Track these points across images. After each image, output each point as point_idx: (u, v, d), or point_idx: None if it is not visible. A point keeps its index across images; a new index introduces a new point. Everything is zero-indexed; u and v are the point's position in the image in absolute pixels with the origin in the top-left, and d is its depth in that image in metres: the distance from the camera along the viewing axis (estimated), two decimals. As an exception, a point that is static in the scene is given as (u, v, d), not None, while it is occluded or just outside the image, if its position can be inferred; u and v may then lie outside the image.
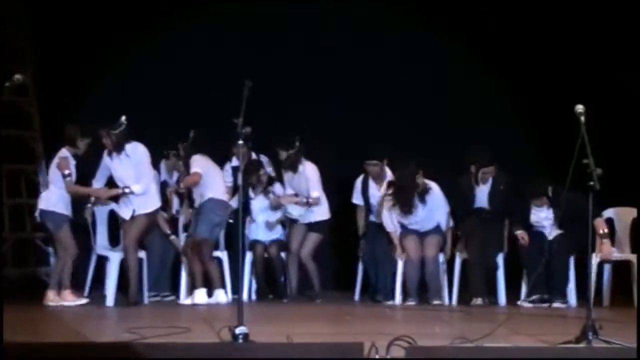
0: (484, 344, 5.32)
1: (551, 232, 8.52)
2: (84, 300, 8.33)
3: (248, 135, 5.66)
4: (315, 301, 9.01)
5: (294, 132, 9.11)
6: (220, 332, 5.47)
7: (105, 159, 8.33)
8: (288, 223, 9.34)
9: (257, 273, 9.13)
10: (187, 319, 7.27)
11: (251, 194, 9.18)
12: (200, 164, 8.62)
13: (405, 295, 8.77)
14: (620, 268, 8.65)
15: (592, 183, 5.62)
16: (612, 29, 9.55)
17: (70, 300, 8.19)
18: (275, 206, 9.14)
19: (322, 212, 9.22)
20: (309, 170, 9.10)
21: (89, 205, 8.56)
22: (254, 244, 9.11)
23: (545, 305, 8.36)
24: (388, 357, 4.60)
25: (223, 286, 8.70)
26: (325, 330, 6.88)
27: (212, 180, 8.68)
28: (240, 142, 5.71)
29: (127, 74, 9.83)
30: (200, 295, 8.54)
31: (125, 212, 8.37)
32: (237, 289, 8.64)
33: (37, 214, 8.44)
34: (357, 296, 9.13)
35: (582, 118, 5.68)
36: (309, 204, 9.04)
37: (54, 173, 8.35)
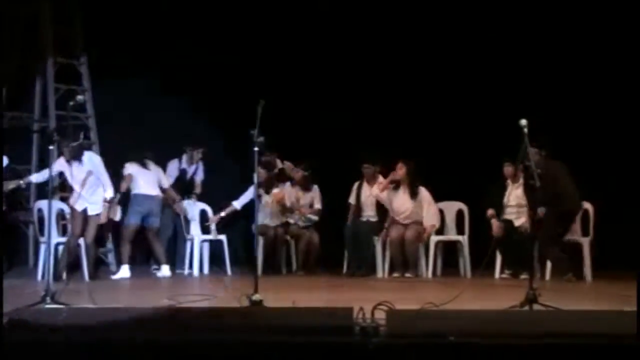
0: (447, 308, 5.42)
1: (517, 218, 8.60)
2: None
3: (262, 143, 5.70)
4: (316, 272, 9.17)
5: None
6: (240, 298, 5.52)
7: (63, 163, 8.29)
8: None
9: (266, 252, 9.21)
10: (212, 288, 7.33)
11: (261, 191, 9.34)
12: (131, 169, 8.94)
13: (391, 269, 8.91)
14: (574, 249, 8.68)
15: (532, 182, 5.76)
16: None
17: None
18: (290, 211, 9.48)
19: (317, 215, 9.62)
20: (315, 188, 9.62)
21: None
22: (265, 229, 9.20)
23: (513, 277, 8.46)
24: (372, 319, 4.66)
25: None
26: (323, 297, 6.92)
27: (138, 180, 8.93)
28: (256, 149, 5.71)
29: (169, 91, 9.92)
30: (125, 271, 8.68)
31: (80, 205, 8.33)
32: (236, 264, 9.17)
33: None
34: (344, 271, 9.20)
35: (525, 130, 5.75)
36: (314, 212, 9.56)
37: None
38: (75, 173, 8.32)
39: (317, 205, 9.57)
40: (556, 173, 8.16)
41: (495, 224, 8.57)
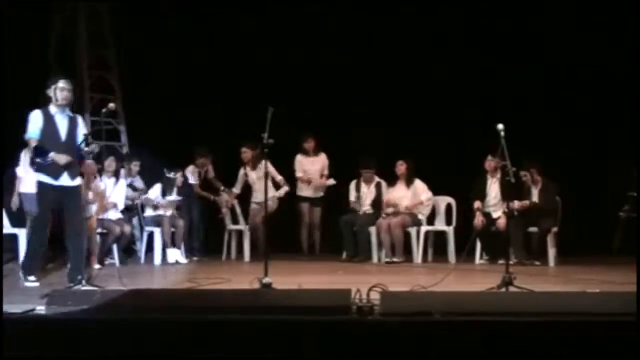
0: (434, 290, 5.39)
1: (495, 211, 8.58)
2: None
3: (271, 145, 5.65)
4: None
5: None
6: (252, 281, 5.49)
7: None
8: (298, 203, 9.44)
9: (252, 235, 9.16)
10: (228, 272, 7.29)
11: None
12: None
13: (385, 254, 8.88)
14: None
15: (508, 178, 5.75)
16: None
17: None
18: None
19: (323, 190, 9.40)
20: (324, 157, 9.40)
21: None
22: (255, 211, 9.09)
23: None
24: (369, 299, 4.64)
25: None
26: (325, 281, 6.89)
27: None
28: (266, 150, 5.67)
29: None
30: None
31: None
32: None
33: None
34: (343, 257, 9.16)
35: (502, 134, 5.72)
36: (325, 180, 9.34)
37: None
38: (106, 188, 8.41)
39: (326, 172, 9.42)
40: (553, 192, 8.48)
41: (478, 217, 8.55)
